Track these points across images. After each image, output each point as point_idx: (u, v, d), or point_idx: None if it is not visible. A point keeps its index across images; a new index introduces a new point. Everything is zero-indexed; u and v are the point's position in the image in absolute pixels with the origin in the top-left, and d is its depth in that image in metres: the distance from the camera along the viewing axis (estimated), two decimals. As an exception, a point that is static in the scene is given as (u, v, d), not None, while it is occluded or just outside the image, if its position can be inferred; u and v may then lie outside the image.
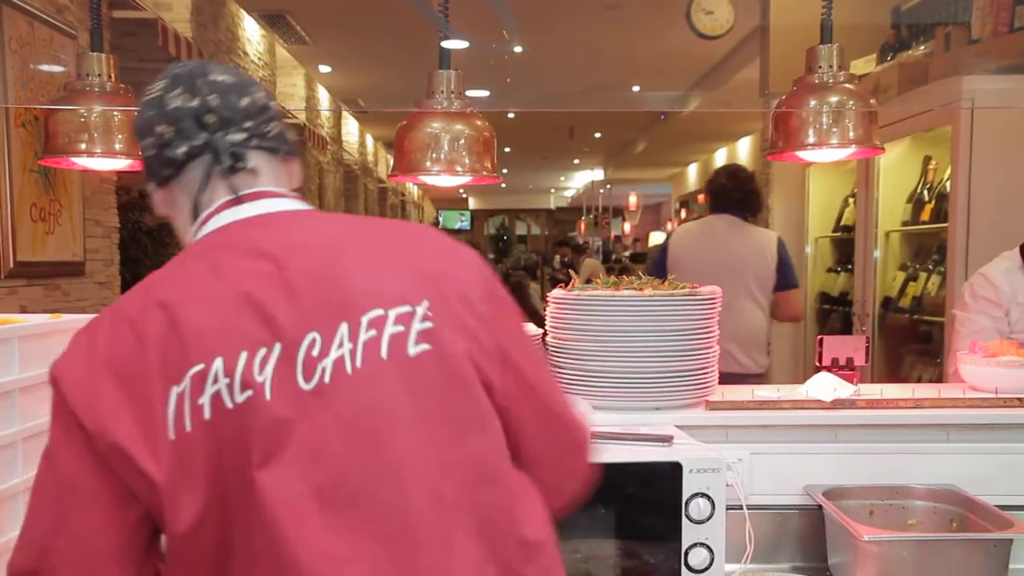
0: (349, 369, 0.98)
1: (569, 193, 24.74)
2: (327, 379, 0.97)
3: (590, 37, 7.44)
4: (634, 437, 1.66)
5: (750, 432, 1.84)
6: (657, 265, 3.55)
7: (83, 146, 1.96)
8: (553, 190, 24.93)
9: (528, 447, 1.10)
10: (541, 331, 1.98)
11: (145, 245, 5.13)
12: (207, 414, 0.95)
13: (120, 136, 1.97)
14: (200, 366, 0.95)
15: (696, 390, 1.87)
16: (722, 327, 1.94)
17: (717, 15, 5.66)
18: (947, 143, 3.69)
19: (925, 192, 4.12)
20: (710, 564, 1.54)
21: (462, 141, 1.90)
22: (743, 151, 11.50)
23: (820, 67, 1.89)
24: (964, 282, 2.55)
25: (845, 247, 4.95)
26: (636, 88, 9.61)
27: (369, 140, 13.97)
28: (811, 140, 1.87)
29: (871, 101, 1.89)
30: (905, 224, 4.28)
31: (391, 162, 2.04)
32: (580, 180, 21.45)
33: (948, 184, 3.74)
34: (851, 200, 4.82)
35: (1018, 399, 1.88)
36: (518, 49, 7.12)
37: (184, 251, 1.09)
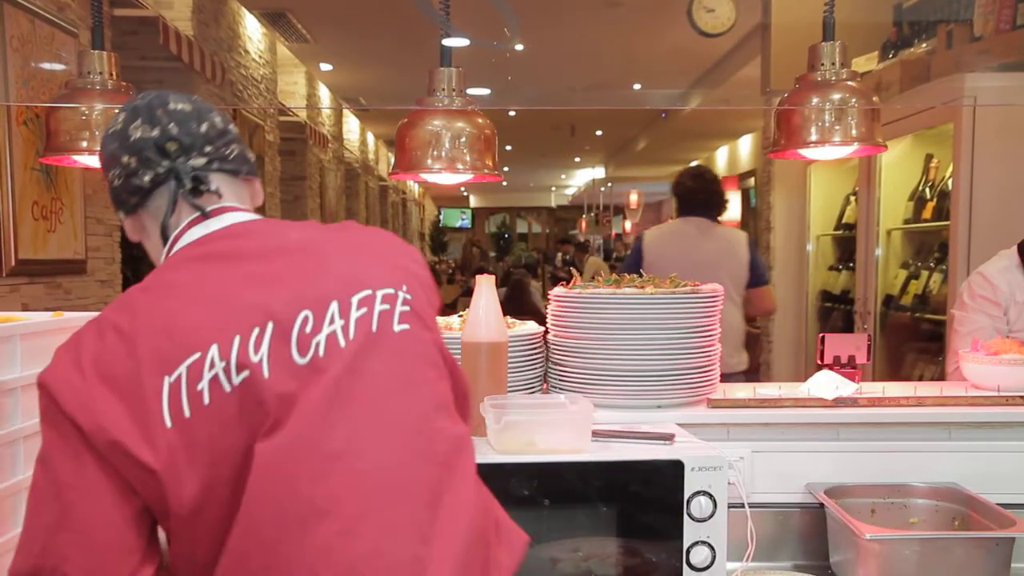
0: (343, 342, 1.04)
1: (570, 191, 24.73)
2: (322, 353, 1.03)
3: (591, 35, 7.44)
4: (635, 435, 1.66)
5: (752, 430, 1.84)
6: (631, 268, 3.55)
7: (84, 144, 1.95)
8: (554, 188, 24.92)
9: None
10: (542, 329, 1.98)
11: (146, 243, 5.12)
12: (206, 399, 0.99)
13: (121, 134, 1.97)
14: (196, 355, 1.00)
15: (698, 388, 1.87)
16: None
17: (718, 13, 5.65)
18: (949, 141, 3.69)
19: (927, 190, 4.12)
20: (712, 562, 1.53)
21: (463, 139, 1.90)
22: (744, 149, 11.49)
23: (822, 64, 1.88)
24: (965, 280, 2.55)
25: (847, 245, 4.95)
26: (637, 86, 9.60)
27: (370, 138, 13.96)
28: (814, 137, 1.86)
29: (874, 99, 1.88)
30: (907, 222, 4.28)
31: (392, 160, 2.04)
32: (581, 178, 21.44)
33: (950, 182, 3.73)
34: (853, 198, 4.81)
35: (1020, 397, 1.88)
36: (519, 47, 7.13)
37: (160, 266, 1.14)
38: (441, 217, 26.42)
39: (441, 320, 2.01)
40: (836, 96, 1.86)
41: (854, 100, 1.85)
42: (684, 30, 5.84)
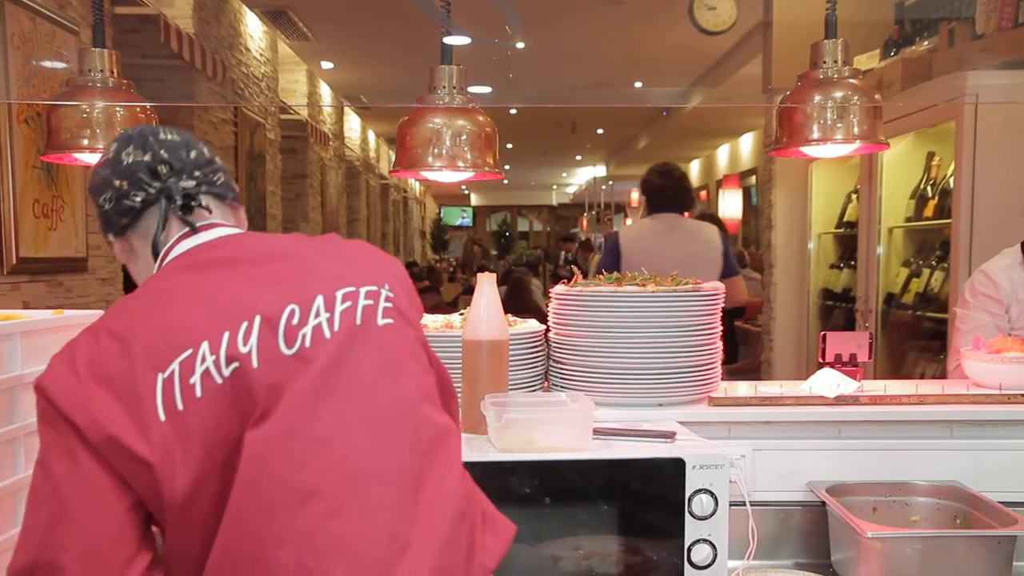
0: (328, 334, 1.08)
1: (571, 189, 24.72)
2: (308, 344, 1.07)
3: (592, 33, 7.43)
4: (637, 433, 1.66)
5: (753, 428, 1.84)
6: (609, 268, 3.57)
7: (85, 142, 1.96)
8: (555, 186, 24.92)
9: None
10: (544, 327, 1.98)
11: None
12: (198, 392, 1.02)
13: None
14: (188, 351, 1.03)
15: (699, 386, 1.86)
16: None
17: (720, 11, 5.64)
18: (951, 139, 3.69)
19: (928, 188, 4.11)
20: (713, 560, 1.53)
21: (464, 136, 1.89)
22: (745, 147, 11.49)
23: (824, 62, 1.88)
24: (967, 278, 2.55)
25: (848, 243, 4.94)
26: (638, 84, 9.58)
27: (371, 136, 13.96)
28: (815, 135, 1.86)
29: (876, 96, 1.88)
30: (908, 220, 4.28)
31: (393, 158, 2.03)
32: (582, 176, 21.42)
33: (951, 180, 3.73)
34: (854, 196, 4.81)
35: (1022, 395, 1.87)
36: (520, 45, 7.12)
37: (152, 276, 1.18)
38: (442, 215, 26.41)
39: (442, 318, 2.01)
40: (838, 94, 1.85)
41: (856, 98, 1.85)
42: (685, 28, 5.84)
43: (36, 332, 1.50)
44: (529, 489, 1.51)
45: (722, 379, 1.96)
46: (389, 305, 1.14)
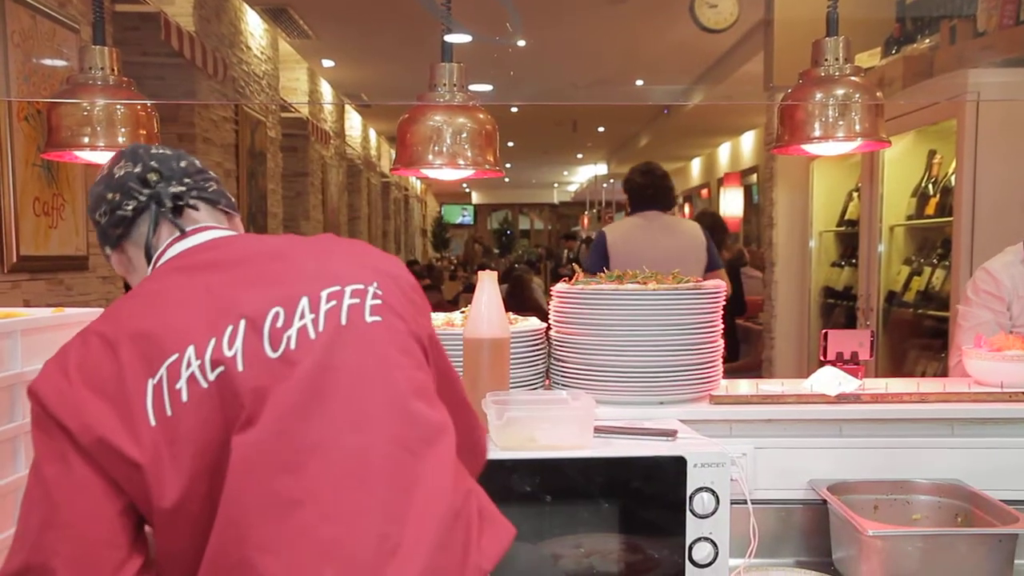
0: (312, 335, 1.07)
1: (572, 188, 24.71)
2: (293, 346, 1.06)
3: (593, 31, 7.42)
4: (638, 431, 1.65)
5: (754, 426, 1.84)
6: (597, 268, 3.58)
7: (86, 139, 1.95)
8: (556, 185, 24.91)
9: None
10: (545, 325, 1.98)
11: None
12: (184, 396, 1.02)
13: (123, 130, 1.97)
14: (174, 356, 1.04)
15: (700, 384, 1.86)
16: None
17: (721, 8, 5.64)
18: (952, 137, 3.68)
19: (930, 186, 4.11)
20: (714, 559, 1.53)
21: (464, 134, 1.89)
22: (746, 145, 11.48)
23: (826, 60, 1.88)
24: (968, 276, 2.54)
25: (849, 241, 4.94)
26: (640, 82, 9.58)
27: (372, 134, 13.95)
28: (817, 133, 1.86)
29: (877, 94, 1.88)
30: (909, 218, 4.27)
31: (394, 156, 2.03)
32: (583, 175, 21.42)
33: (953, 178, 3.72)
34: (855, 194, 4.80)
35: (1023, 393, 1.87)
36: (521, 43, 7.12)
37: (143, 279, 1.19)
38: (443, 213, 26.41)
39: (443, 316, 2.00)
40: (839, 91, 1.85)
41: (857, 95, 1.85)
42: (687, 26, 5.83)
43: (36, 330, 1.50)
44: (530, 487, 1.51)
45: (723, 377, 1.95)
46: (377, 302, 1.12)
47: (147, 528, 1.09)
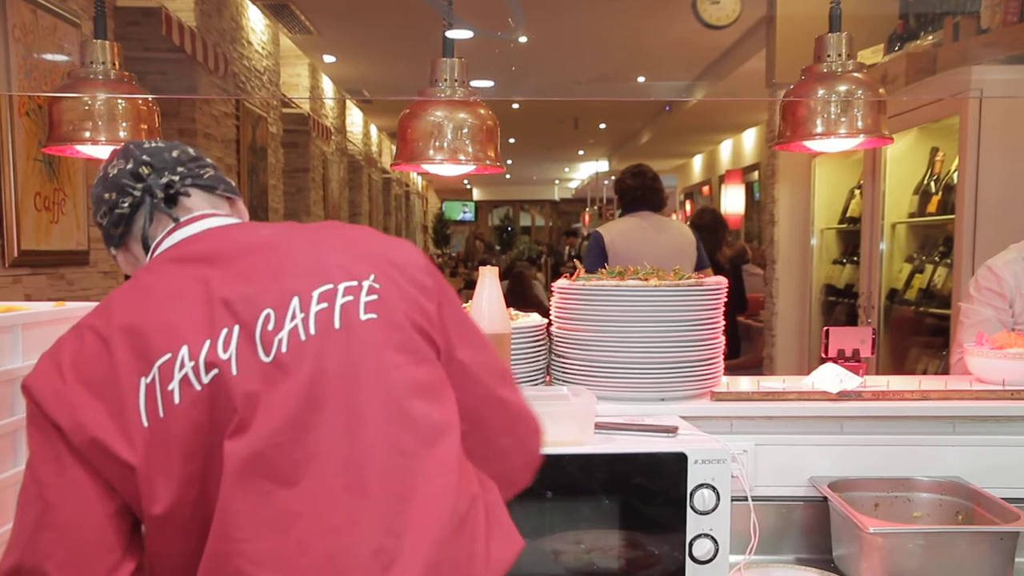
0: (303, 336, 1.04)
1: (573, 184, 24.69)
2: (284, 349, 1.03)
3: (595, 27, 7.41)
4: (639, 427, 1.65)
5: (755, 423, 1.84)
6: (595, 267, 3.60)
7: (87, 134, 1.95)
8: (557, 181, 24.90)
9: (472, 431, 1.14)
10: (546, 321, 1.97)
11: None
12: (176, 398, 1.01)
13: (124, 124, 1.97)
14: (167, 356, 1.02)
15: (701, 381, 1.86)
16: None
17: (723, 5, 5.63)
18: (954, 135, 3.67)
19: (932, 184, 4.10)
20: (714, 555, 1.53)
21: (465, 130, 1.89)
22: (748, 142, 11.47)
23: (829, 56, 1.87)
24: (970, 274, 2.54)
25: (851, 239, 4.93)
26: (641, 78, 9.57)
27: (373, 130, 13.95)
28: (819, 129, 1.85)
29: (880, 90, 1.87)
30: (911, 216, 4.27)
31: (395, 152, 2.03)
32: (584, 171, 21.40)
33: (955, 176, 3.72)
34: (857, 191, 4.80)
35: (1025, 391, 1.87)
36: (523, 39, 7.10)
37: (139, 269, 1.18)
38: (444, 210, 26.40)
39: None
40: (842, 88, 1.84)
41: (860, 92, 1.84)
42: (689, 22, 5.82)
43: (37, 324, 1.49)
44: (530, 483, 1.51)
45: (724, 374, 1.95)
46: (373, 298, 1.08)
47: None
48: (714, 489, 1.52)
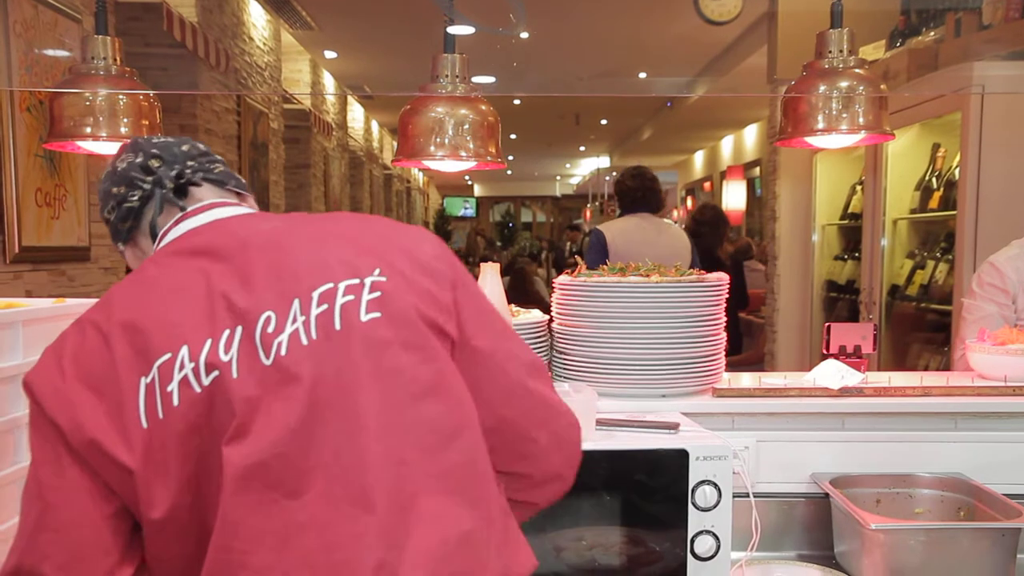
0: (305, 341, 1.02)
1: (575, 180, 24.68)
2: (283, 352, 1.01)
3: (597, 23, 7.40)
4: (640, 424, 1.65)
5: (757, 419, 1.83)
6: (596, 263, 3.62)
7: (88, 130, 1.95)
8: (559, 177, 24.88)
9: (499, 426, 1.12)
10: (547, 317, 1.97)
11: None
12: (175, 400, 0.99)
13: (125, 120, 1.96)
14: (167, 355, 1.00)
15: (702, 377, 1.86)
16: None
17: (724, 1, 5.62)
18: (956, 130, 3.67)
19: (933, 180, 4.10)
20: (716, 552, 1.53)
21: (466, 126, 1.88)
22: (749, 138, 11.46)
23: (830, 51, 1.86)
24: (972, 270, 2.54)
25: (852, 235, 4.93)
26: (643, 74, 9.56)
27: (375, 126, 13.94)
28: (820, 125, 1.85)
29: (881, 86, 1.87)
30: (913, 212, 4.26)
31: (396, 148, 2.02)
32: (586, 167, 21.40)
33: (957, 172, 3.71)
34: (859, 187, 4.79)
35: (1027, 388, 1.87)
36: (525, 34, 7.09)
37: (145, 261, 1.15)
38: (445, 206, 26.39)
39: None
40: (843, 83, 1.84)
41: (861, 88, 1.84)
42: (690, 18, 5.82)
43: (37, 320, 1.49)
44: (532, 479, 1.51)
45: (725, 370, 1.95)
46: (375, 295, 1.04)
47: None
48: (715, 485, 1.52)
